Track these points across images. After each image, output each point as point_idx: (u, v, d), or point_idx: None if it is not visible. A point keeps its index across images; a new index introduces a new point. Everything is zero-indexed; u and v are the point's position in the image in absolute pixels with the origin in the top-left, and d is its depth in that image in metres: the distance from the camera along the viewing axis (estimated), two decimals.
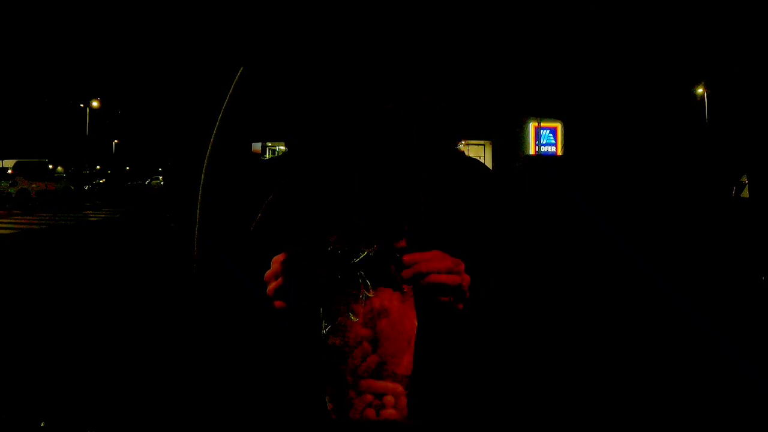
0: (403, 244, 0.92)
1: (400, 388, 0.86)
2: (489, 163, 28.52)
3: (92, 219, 15.58)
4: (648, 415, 2.37)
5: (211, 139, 1.57)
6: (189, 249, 1.49)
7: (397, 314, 0.87)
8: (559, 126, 28.40)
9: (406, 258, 0.88)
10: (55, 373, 3.18)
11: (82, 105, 41.39)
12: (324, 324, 0.87)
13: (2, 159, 25.52)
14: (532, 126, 28.04)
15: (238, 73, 1.52)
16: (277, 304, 0.93)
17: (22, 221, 14.31)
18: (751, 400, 2.32)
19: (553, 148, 28.23)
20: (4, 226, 12.96)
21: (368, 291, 0.87)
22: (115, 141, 51.30)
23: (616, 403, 2.44)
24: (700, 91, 28.97)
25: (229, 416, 1.03)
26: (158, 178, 35.46)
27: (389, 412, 0.85)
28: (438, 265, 0.89)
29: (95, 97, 41.25)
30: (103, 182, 29.97)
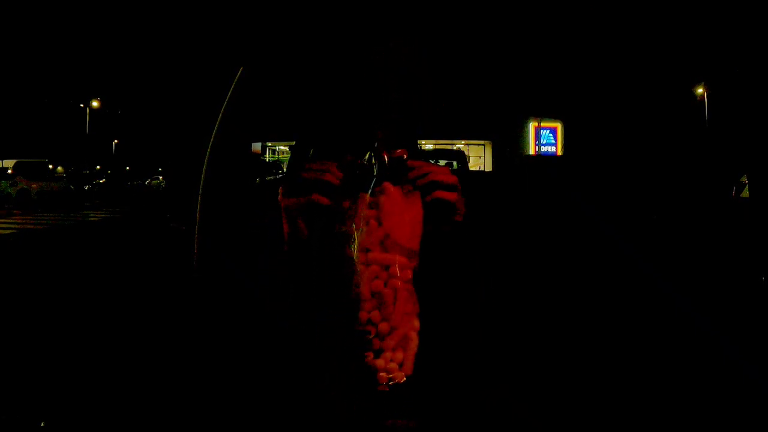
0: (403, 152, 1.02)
1: (404, 259, 0.95)
2: (489, 164, 28.54)
3: (92, 219, 15.58)
4: (648, 415, 2.37)
5: (211, 139, 1.57)
6: (189, 248, 1.49)
7: (397, 195, 0.97)
8: (559, 126, 28.41)
9: (409, 162, 1.01)
10: (55, 373, 3.18)
11: (82, 105, 41.37)
12: (338, 220, 0.98)
13: (2, 159, 25.50)
14: (532, 126, 28.05)
15: (238, 73, 1.52)
16: (286, 201, 1.00)
17: (22, 221, 14.31)
18: (751, 399, 2.32)
19: (553, 148, 28.25)
20: (4, 226, 12.97)
21: (373, 180, 0.98)
22: (115, 141, 51.31)
23: (616, 403, 2.44)
24: (700, 91, 28.95)
25: (225, 415, 1.03)
26: (158, 178, 35.46)
27: (394, 282, 0.93)
28: (434, 168, 1.02)
29: (95, 97, 41.23)
30: (103, 182, 29.93)
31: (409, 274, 0.95)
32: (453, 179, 1.02)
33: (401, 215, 0.96)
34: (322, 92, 1.11)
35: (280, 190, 1.02)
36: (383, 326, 0.92)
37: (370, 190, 0.98)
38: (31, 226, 13.05)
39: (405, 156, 1.01)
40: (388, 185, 0.98)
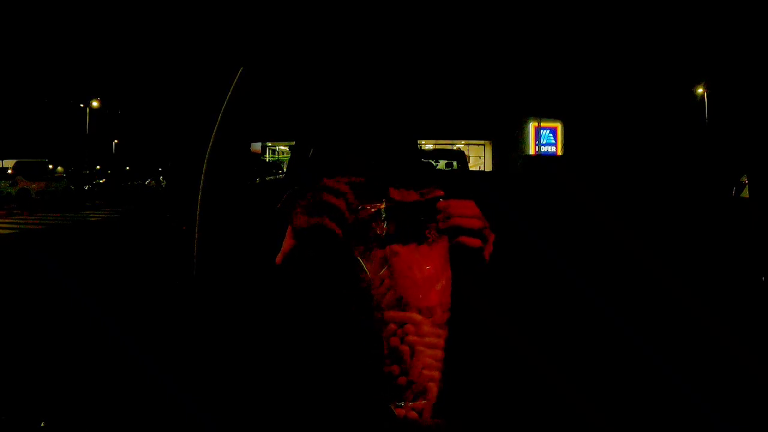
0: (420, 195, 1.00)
1: (417, 317, 0.95)
2: (489, 164, 28.53)
3: (92, 219, 15.58)
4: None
5: (211, 139, 1.56)
6: (189, 248, 1.49)
7: (411, 255, 0.97)
8: (559, 126, 28.40)
9: (441, 204, 0.98)
10: (55, 373, 3.18)
11: (82, 105, 41.36)
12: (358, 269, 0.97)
13: (2, 159, 25.51)
14: (532, 126, 28.04)
15: (238, 73, 1.52)
16: (299, 220, 0.96)
17: (22, 221, 14.31)
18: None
19: (553, 148, 28.23)
20: (4, 226, 12.96)
21: (384, 236, 0.97)
22: (115, 141, 51.33)
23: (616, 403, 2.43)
24: (700, 91, 28.94)
25: (225, 417, 1.03)
26: (158, 178, 35.49)
27: (411, 339, 0.94)
28: (457, 210, 0.98)
29: (95, 97, 41.22)
30: (103, 182, 29.94)
31: (425, 329, 0.96)
32: (477, 223, 0.99)
33: (414, 274, 0.96)
34: (322, 92, 1.11)
35: (297, 209, 0.99)
36: (401, 380, 0.94)
37: (381, 243, 0.96)
38: (32, 226, 13.04)
39: (440, 195, 1.00)
40: (401, 248, 0.96)
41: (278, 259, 0.99)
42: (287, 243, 0.99)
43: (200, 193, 1.53)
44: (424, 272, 0.96)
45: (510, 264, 1.13)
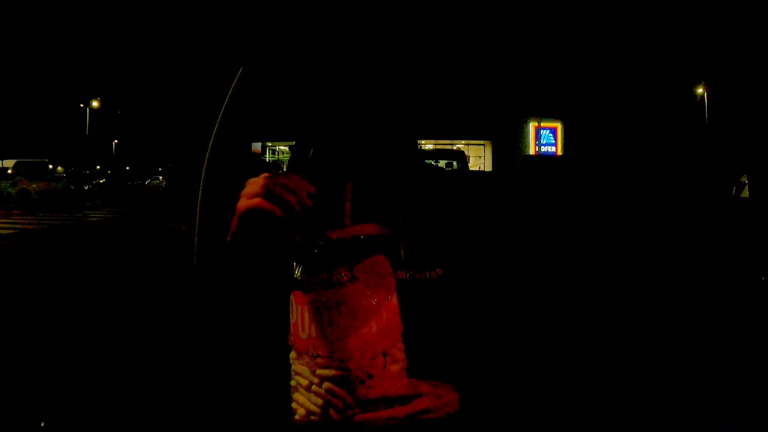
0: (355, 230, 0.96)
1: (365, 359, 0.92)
2: (489, 164, 28.55)
3: (92, 219, 15.58)
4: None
5: (211, 140, 1.56)
6: (189, 248, 1.49)
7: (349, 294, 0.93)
8: (559, 126, 28.41)
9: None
10: (55, 373, 3.18)
11: (82, 105, 41.34)
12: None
13: (2, 159, 25.54)
14: (532, 126, 28.05)
15: (238, 73, 1.52)
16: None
17: (22, 221, 14.31)
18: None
19: (553, 148, 28.24)
20: (4, 226, 12.96)
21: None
22: (115, 141, 51.35)
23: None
24: (700, 91, 28.95)
25: (224, 417, 1.03)
26: (158, 178, 35.51)
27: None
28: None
29: (95, 97, 41.20)
30: (103, 182, 29.97)
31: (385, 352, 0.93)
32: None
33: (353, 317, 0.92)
34: (322, 92, 1.10)
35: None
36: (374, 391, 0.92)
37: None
38: (32, 226, 13.04)
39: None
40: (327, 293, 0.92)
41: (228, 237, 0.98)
42: (233, 223, 0.97)
43: (200, 193, 1.53)
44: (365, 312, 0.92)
45: (510, 264, 1.13)
